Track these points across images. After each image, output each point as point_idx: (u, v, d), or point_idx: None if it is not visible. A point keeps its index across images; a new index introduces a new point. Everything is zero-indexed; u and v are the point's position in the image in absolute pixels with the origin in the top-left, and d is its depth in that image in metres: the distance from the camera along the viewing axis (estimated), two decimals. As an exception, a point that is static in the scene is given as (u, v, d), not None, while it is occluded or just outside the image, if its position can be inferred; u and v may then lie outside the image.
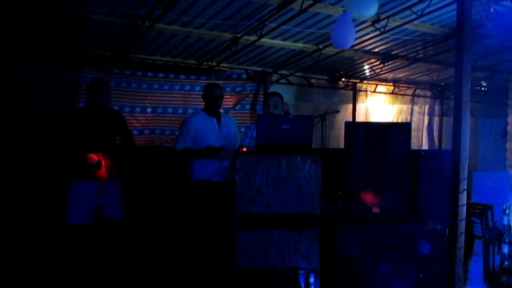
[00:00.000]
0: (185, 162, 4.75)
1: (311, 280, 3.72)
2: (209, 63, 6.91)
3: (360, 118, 8.70)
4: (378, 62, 7.43)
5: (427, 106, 9.71)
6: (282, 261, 3.64)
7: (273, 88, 7.32)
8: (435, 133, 9.83)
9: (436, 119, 9.82)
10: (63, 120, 4.45)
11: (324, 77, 8.23)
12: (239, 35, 5.88)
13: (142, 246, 5.14)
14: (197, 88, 6.94)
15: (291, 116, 5.19)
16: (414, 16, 5.38)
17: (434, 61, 7.38)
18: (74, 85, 6.11)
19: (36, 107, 5.55)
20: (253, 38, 5.91)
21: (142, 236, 5.27)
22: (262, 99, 7.31)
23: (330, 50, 6.59)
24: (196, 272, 4.46)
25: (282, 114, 4.79)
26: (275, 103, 4.81)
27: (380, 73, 7.95)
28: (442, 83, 9.12)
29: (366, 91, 8.88)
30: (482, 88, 9.62)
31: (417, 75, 8.46)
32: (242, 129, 6.80)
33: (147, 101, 6.79)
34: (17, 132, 5.28)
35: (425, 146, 9.57)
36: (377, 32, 5.82)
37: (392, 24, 5.61)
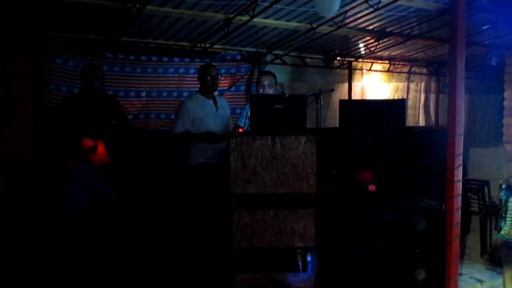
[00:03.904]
0: (182, 145, 4.72)
1: (308, 259, 3.73)
2: (203, 45, 6.84)
3: (356, 97, 8.65)
4: (373, 40, 7.37)
5: (423, 84, 9.67)
6: (279, 241, 3.65)
7: (268, 69, 7.26)
8: (432, 111, 9.81)
9: (432, 97, 9.79)
10: (62, 117, 4.41)
11: (319, 57, 8.17)
12: (231, 16, 5.81)
13: (141, 230, 5.14)
14: (192, 70, 6.89)
15: (284, 95, 5.17)
16: (408, -9, 5.33)
17: (429, 38, 7.32)
18: None
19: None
20: (245, 18, 5.84)
21: (140, 220, 5.27)
22: (257, 80, 7.26)
23: (324, 29, 6.53)
24: (195, 254, 4.48)
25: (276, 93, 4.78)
26: (269, 83, 4.78)
27: (375, 51, 7.88)
28: (438, 60, 9.07)
29: (361, 69, 8.82)
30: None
31: (412, 52, 8.40)
32: (238, 111, 6.78)
33: (141, 85, 6.74)
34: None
35: (421, 124, 9.55)
36: (371, 9, 5.76)
37: (385, 0, 5.55)
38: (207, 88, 4.70)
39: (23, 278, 3.50)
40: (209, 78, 4.66)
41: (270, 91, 4.76)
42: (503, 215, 4.91)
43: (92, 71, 4.46)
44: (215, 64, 5.54)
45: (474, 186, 5.67)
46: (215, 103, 4.74)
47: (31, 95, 3.04)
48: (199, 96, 4.73)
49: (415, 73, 9.51)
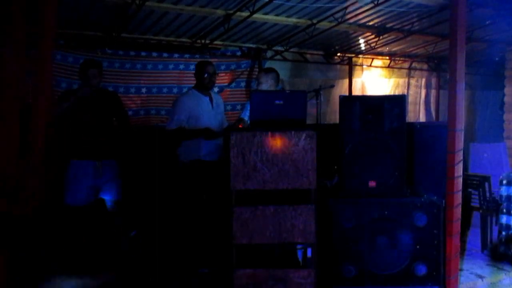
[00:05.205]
0: (177, 142, 4.71)
1: (309, 254, 3.73)
2: (203, 41, 6.83)
3: (356, 93, 8.62)
4: (373, 36, 7.35)
5: (423, 79, 9.64)
6: (279, 237, 3.65)
7: (268, 65, 7.25)
8: (432, 106, 9.78)
9: (433, 92, 9.77)
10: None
11: (320, 53, 8.15)
12: (231, 12, 5.80)
13: (141, 227, 5.14)
14: (192, 67, 6.86)
15: (284, 91, 5.16)
16: (409, -14, 5.32)
17: (429, 33, 7.31)
18: None
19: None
20: (245, 14, 5.83)
21: (140, 216, 5.27)
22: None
23: (324, 25, 6.52)
24: (195, 251, 4.48)
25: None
26: (262, 80, 4.79)
27: (376, 47, 7.87)
28: (438, 56, 9.05)
29: (362, 65, 8.80)
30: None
31: (413, 48, 8.39)
32: (238, 107, 6.78)
33: (142, 81, 6.73)
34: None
35: (422, 120, 9.52)
36: (371, 5, 5.75)
37: (386, -5, 5.55)
38: (204, 85, 4.69)
39: (23, 278, 3.50)
40: (206, 75, 4.64)
41: (264, 88, 4.76)
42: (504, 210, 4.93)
43: (89, 67, 4.46)
44: (215, 60, 5.54)
45: (474, 182, 5.66)
46: (211, 100, 4.73)
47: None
48: (196, 92, 4.71)
49: (415, 69, 9.49)
